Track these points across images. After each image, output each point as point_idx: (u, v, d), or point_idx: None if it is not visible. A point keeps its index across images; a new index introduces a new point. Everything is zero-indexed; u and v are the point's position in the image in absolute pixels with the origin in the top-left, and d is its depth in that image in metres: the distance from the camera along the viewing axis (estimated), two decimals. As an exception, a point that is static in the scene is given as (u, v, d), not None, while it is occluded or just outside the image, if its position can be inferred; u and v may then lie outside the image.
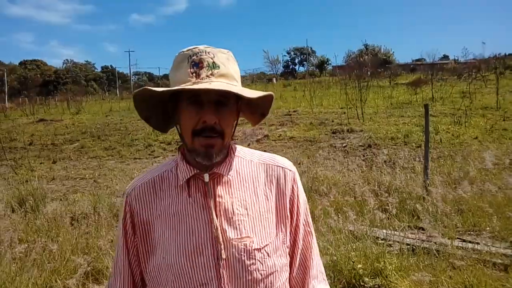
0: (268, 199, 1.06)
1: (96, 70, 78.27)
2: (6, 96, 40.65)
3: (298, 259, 1.12)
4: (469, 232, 4.41)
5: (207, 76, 0.97)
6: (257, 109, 1.10)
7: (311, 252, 1.13)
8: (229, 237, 0.99)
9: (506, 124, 12.19)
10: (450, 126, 12.34)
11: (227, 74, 1.00)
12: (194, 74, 0.97)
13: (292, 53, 62.60)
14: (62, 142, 15.35)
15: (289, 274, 1.11)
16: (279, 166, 1.10)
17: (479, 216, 4.64)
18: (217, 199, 1.01)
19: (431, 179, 5.86)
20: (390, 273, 3.37)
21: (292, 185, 1.10)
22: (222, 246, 0.97)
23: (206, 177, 1.01)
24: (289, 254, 1.10)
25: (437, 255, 3.72)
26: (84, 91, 46.93)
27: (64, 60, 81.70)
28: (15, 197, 6.37)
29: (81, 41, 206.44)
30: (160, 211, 1.04)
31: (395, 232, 4.26)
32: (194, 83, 0.96)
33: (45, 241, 4.27)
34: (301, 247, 1.12)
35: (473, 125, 12.37)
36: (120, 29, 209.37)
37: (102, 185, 8.60)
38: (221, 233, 0.98)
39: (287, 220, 1.08)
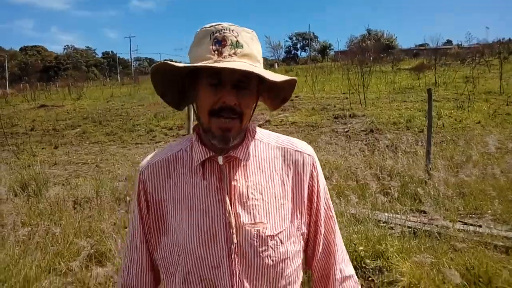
0: (284, 185, 1.02)
1: (96, 56, 77.80)
2: (7, 82, 40.58)
3: (321, 244, 1.10)
4: (471, 215, 4.41)
5: (229, 55, 0.92)
6: (279, 94, 1.06)
7: (334, 236, 1.11)
8: (243, 222, 0.96)
9: (509, 109, 12.12)
10: (453, 111, 12.28)
11: (250, 54, 0.95)
12: (216, 52, 0.92)
13: (294, 38, 62.12)
14: (64, 128, 15.38)
15: (312, 258, 1.10)
16: (298, 151, 1.06)
17: (481, 200, 4.65)
18: (232, 182, 0.98)
19: (434, 163, 5.85)
20: (391, 255, 3.38)
21: (311, 170, 1.06)
22: (234, 230, 0.95)
23: (220, 159, 0.98)
24: (311, 239, 1.08)
25: (438, 238, 3.73)
26: (85, 77, 46.81)
27: (65, 46, 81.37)
28: (17, 181, 6.39)
29: (81, 27, 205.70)
30: (173, 192, 1.02)
31: (397, 215, 4.27)
32: (215, 61, 0.91)
33: (48, 225, 4.30)
34: (324, 232, 1.09)
35: (476, 109, 12.30)
36: (120, 15, 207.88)
37: (104, 169, 8.64)
38: (235, 217, 0.96)
39: (303, 207, 1.04)
